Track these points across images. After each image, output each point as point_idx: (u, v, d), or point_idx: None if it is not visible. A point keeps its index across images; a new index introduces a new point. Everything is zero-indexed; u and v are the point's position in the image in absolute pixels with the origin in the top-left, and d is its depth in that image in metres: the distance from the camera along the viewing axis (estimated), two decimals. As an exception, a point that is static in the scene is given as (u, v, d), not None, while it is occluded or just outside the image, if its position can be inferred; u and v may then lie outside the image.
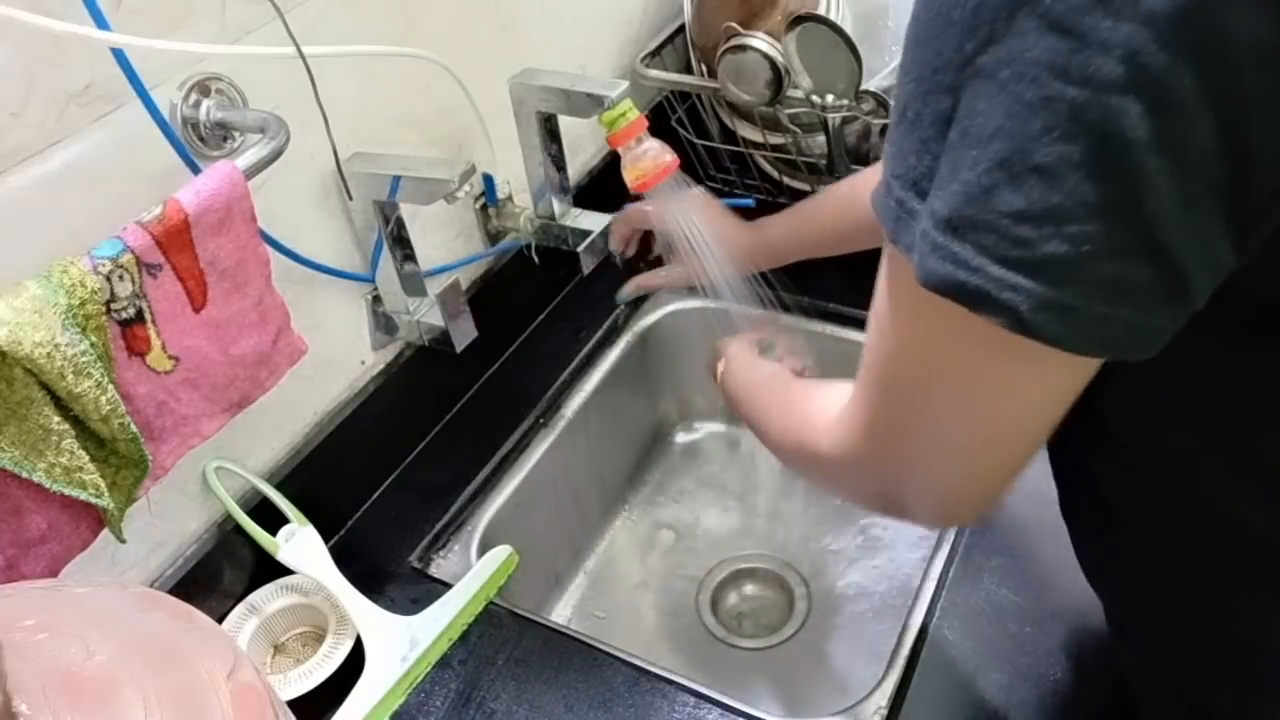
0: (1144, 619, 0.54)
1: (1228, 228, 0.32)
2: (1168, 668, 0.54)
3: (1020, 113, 0.32)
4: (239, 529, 0.78)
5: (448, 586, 0.80)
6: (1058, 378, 0.39)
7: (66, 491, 0.58)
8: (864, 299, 0.45)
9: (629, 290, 1.07)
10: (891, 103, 0.96)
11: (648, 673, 0.74)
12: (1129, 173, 0.31)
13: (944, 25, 0.34)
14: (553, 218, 0.94)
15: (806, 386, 0.63)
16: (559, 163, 0.92)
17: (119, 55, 0.59)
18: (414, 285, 0.86)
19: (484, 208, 0.95)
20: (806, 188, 1.11)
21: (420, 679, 0.75)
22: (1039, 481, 0.82)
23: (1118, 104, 0.30)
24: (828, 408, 0.52)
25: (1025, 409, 0.41)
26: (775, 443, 0.62)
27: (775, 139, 1.07)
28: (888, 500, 0.50)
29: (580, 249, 0.93)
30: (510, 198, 0.96)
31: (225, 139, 0.69)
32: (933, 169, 0.36)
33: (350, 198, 0.77)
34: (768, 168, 1.14)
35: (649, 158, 0.81)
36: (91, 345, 0.57)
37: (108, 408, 0.58)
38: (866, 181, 0.84)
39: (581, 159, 1.11)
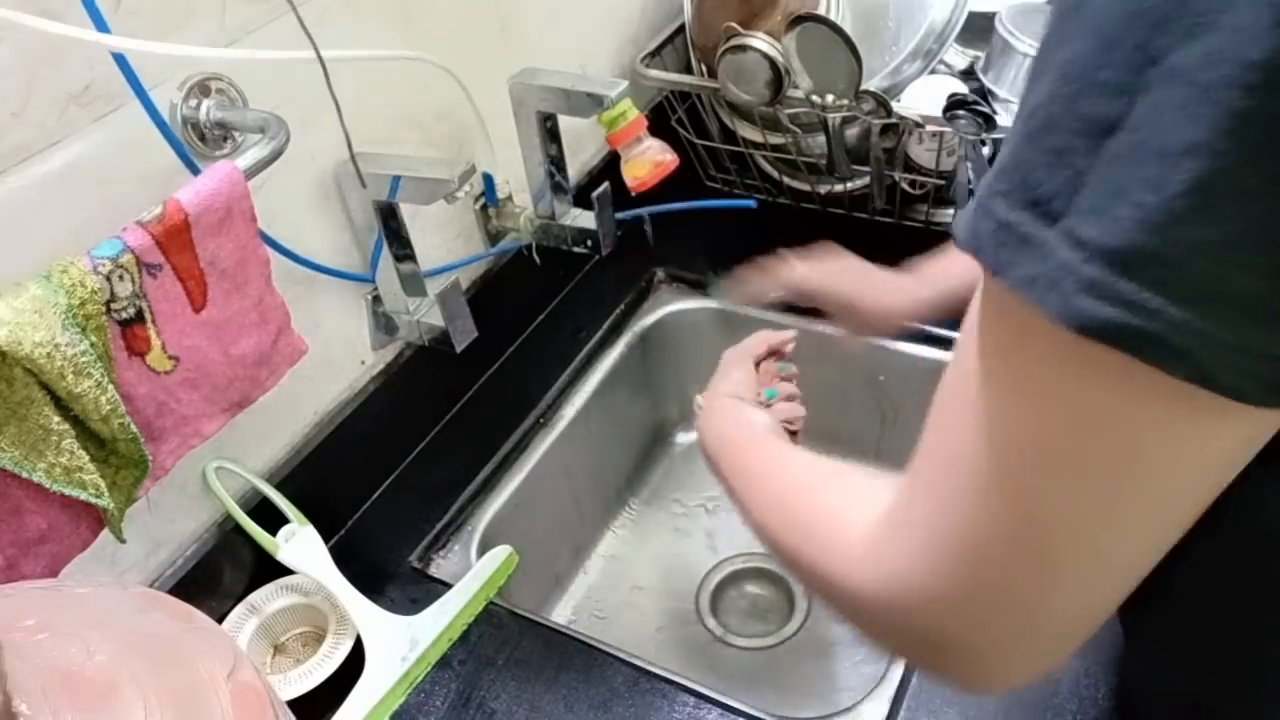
0: (1152, 623, 0.48)
1: None
2: (1174, 672, 0.50)
3: (1229, 125, 0.26)
4: (239, 529, 0.78)
5: (448, 586, 0.80)
6: (1240, 434, 0.32)
7: (66, 491, 0.58)
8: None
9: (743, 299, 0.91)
10: (893, 103, 0.97)
11: (648, 673, 0.74)
12: None
13: (1123, 14, 0.28)
14: (553, 218, 0.94)
15: (816, 476, 0.51)
16: (559, 163, 0.92)
17: (118, 57, 0.59)
18: (414, 285, 0.86)
19: (484, 208, 0.95)
20: (806, 188, 1.11)
21: (420, 679, 0.75)
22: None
23: None
24: (855, 523, 0.42)
25: (1184, 491, 0.33)
26: (775, 550, 0.50)
27: (775, 139, 1.07)
28: (945, 650, 0.39)
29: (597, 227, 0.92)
30: (510, 198, 0.96)
31: (225, 139, 0.69)
32: (1074, 186, 0.29)
33: (364, 185, 0.77)
34: (768, 168, 1.14)
35: (649, 157, 0.81)
36: (91, 345, 0.57)
37: (108, 408, 0.58)
38: None
39: (581, 159, 1.11)
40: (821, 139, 1.02)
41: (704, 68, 1.09)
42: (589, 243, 0.92)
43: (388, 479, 0.93)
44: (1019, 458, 0.34)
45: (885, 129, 0.99)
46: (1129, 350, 0.29)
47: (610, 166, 1.11)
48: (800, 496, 0.50)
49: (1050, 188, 0.30)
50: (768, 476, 0.55)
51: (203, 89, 0.67)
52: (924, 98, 1.01)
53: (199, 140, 0.68)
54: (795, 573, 0.48)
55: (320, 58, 0.64)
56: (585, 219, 0.94)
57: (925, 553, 0.37)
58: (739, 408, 0.67)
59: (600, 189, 0.89)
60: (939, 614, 0.38)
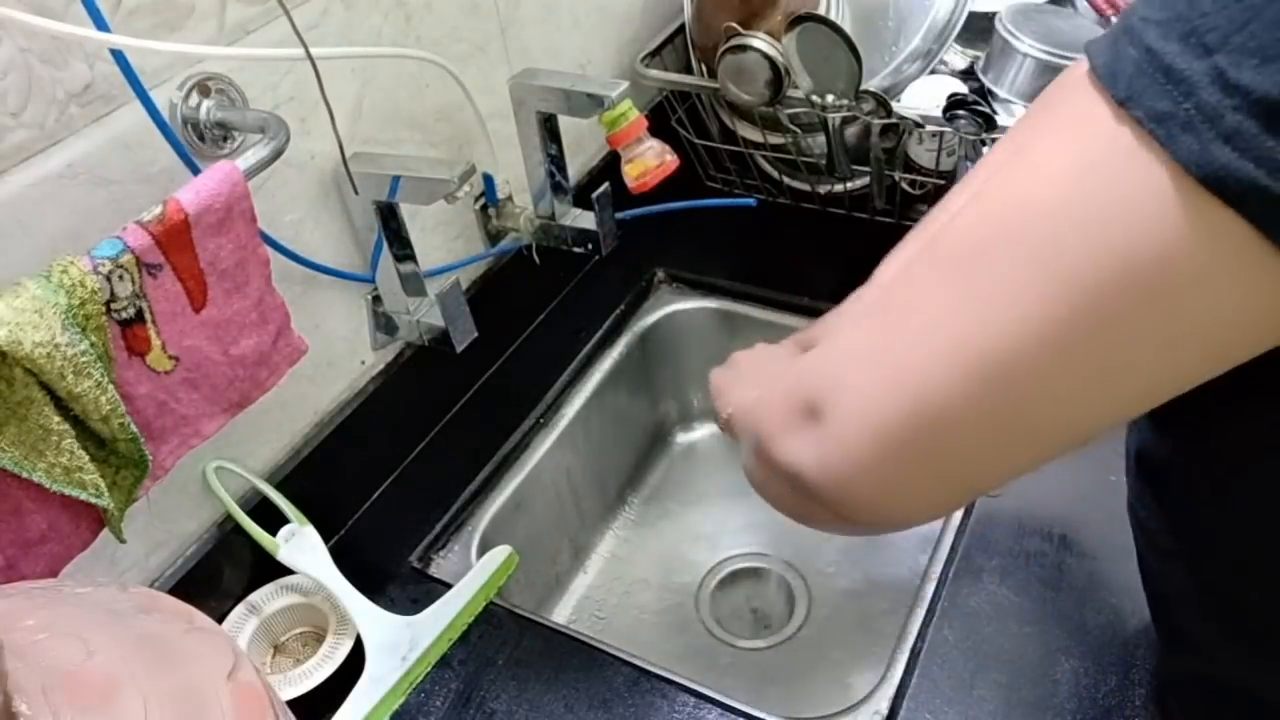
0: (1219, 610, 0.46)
1: None
2: (1223, 660, 0.47)
3: None
4: (239, 529, 0.78)
5: (448, 586, 0.80)
6: None
7: (66, 491, 0.58)
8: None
9: None
10: (893, 103, 0.97)
11: (648, 673, 0.74)
12: None
13: None
14: (553, 218, 0.94)
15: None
16: (559, 163, 0.92)
17: (118, 56, 0.59)
18: (414, 285, 0.86)
19: (484, 208, 0.95)
20: (806, 188, 1.11)
21: (420, 679, 0.75)
22: (1041, 481, 0.83)
23: None
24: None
25: (1219, 348, 0.31)
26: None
27: (775, 139, 1.07)
28: (857, 513, 0.38)
29: (604, 225, 0.91)
30: (510, 198, 0.96)
31: (225, 139, 0.69)
32: (1241, 21, 0.26)
33: (356, 191, 0.77)
34: (768, 168, 1.14)
35: (649, 158, 0.81)
36: (91, 345, 0.57)
37: (108, 408, 0.58)
38: None
39: (581, 159, 1.11)
40: (821, 139, 1.02)
41: (704, 68, 1.09)
42: (589, 244, 0.92)
43: (388, 479, 0.93)
44: (1085, 310, 0.30)
45: (885, 129, 0.99)
46: (1254, 217, 0.26)
47: (610, 166, 1.11)
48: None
49: (1214, 19, 0.27)
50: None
51: (203, 89, 0.67)
52: (924, 98, 1.01)
53: (199, 140, 0.68)
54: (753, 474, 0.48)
55: (310, 57, 0.64)
56: (585, 219, 0.94)
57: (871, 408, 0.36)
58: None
59: (600, 189, 0.89)
60: (879, 473, 0.37)
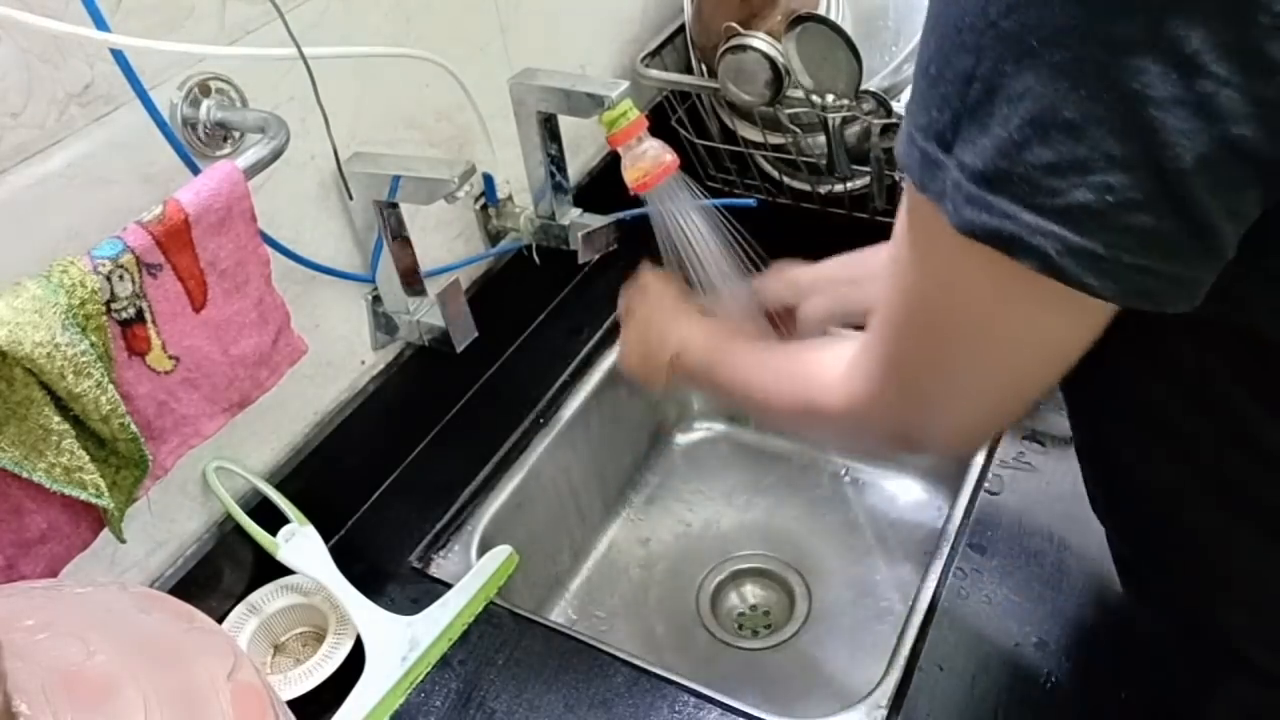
0: (1151, 551, 0.56)
1: (1259, 181, 0.34)
2: (1172, 597, 0.56)
3: (1047, 74, 0.34)
4: (239, 529, 0.78)
5: (448, 586, 0.80)
6: (1082, 321, 0.41)
7: (66, 491, 0.58)
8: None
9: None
10: (893, 103, 0.97)
11: (648, 673, 0.74)
12: (1147, 128, 0.33)
13: None
14: (553, 218, 0.94)
15: (795, 349, 0.64)
16: (559, 163, 0.92)
17: (118, 56, 0.59)
18: (414, 285, 0.86)
19: (484, 208, 0.95)
20: (806, 188, 1.11)
21: (420, 679, 0.75)
22: (1040, 481, 0.83)
23: (1138, 64, 0.32)
24: (831, 365, 0.55)
25: (1046, 350, 0.44)
26: (771, 406, 0.64)
27: (775, 139, 1.07)
28: (901, 440, 0.53)
29: (580, 234, 0.92)
30: (510, 198, 0.96)
31: (225, 139, 0.69)
32: (956, 122, 0.38)
33: (350, 197, 0.77)
34: (768, 168, 1.14)
35: (649, 157, 0.81)
36: (91, 345, 0.57)
37: (108, 408, 0.58)
38: None
39: (581, 159, 1.11)
40: (821, 139, 1.02)
41: (704, 68, 1.09)
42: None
43: (388, 479, 0.93)
44: (923, 312, 0.46)
45: (885, 129, 0.99)
46: (998, 247, 0.37)
47: (610, 166, 1.11)
48: (788, 362, 0.63)
49: (943, 124, 0.38)
50: (758, 363, 0.67)
51: (203, 89, 0.67)
52: (924, 98, 1.00)
53: (199, 140, 0.68)
54: (792, 419, 0.64)
55: (303, 57, 0.64)
56: (586, 219, 0.94)
57: (871, 378, 0.51)
58: (709, 325, 0.76)
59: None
60: (887, 418, 0.52)
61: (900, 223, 0.45)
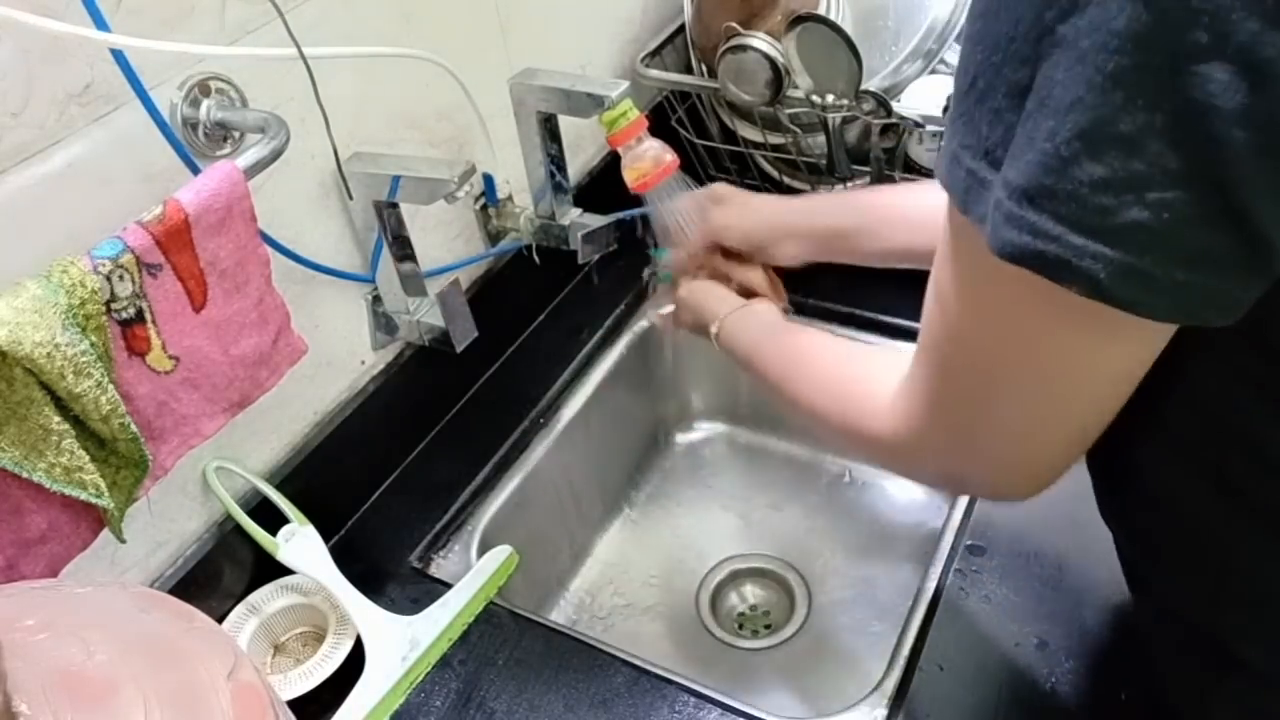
0: (1157, 555, 0.54)
1: None
2: (1177, 599, 0.55)
3: (1102, 83, 0.32)
4: (239, 529, 0.78)
5: (448, 586, 0.80)
6: (1132, 346, 0.40)
7: (67, 491, 0.58)
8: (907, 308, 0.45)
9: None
10: (893, 103, 0.97)
11: (648, 673, 0.74)
12: (1212, 141, 0.31)
13: None
14: (553, 218, 0.94)
15: (844, 355, 0.62)
16: (559, 163, 0.92)
17: (118, 56, 0.59)
18: (414, 285, 0.86)
19: (484, 208, 0.95)
20: (806, 188, 1.11)
21: (420, 679, 0.75)
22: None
23: (1204, 72, 0.30)
24: (880, 386, 0.52)
25: (1098, 380, 0.41)
26: (812, 416, 0.62)
27: (775, 139, 1.07)
28: (950, 478, 0.51)
29: (580, 234, 0.92)
30: (510, 198, 0.96)
31: (225, 139, 0.69)
32: (1007, 139, 0.36)
33: (350, 197, 0.77)
34: (768, 168, 1.14)
35: (649, 157, 0.81)
36: (91, 345, 0.57)
37: (108, 408, 0.58)
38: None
39: (581, 159, 1.11)
40: (821, 139, 1.02)
41: (704, 68, 1.09)
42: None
43: (388, 479, 0.93)
44: (966, 345, 0.44)
45: (885, 129, 0.99)
46: (1039, 270, 0.35)
47: (610, 166, 1.11)
48: (836, 371, 0.60)
49: (993, 140, 0.36)
50: (803, 359, 0.65)
51: (203, 89, 0.67)
52: (924, 98, 1.01)
53: (199, 140, 0.67)
54: (833, 434, 0.60)
55: (303, 57, 0.64)
56: (586, 219, 0.94)
57: (916, 411, 0.48)
58: (751, 311, 0.76)
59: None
60: (934, 452, 0.50)
61: (941, 251, 0.43)
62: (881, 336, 1.02)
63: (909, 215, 0.77)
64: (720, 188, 0.87)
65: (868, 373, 0.56)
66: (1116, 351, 0.40)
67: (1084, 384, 0.41)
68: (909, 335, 0.99)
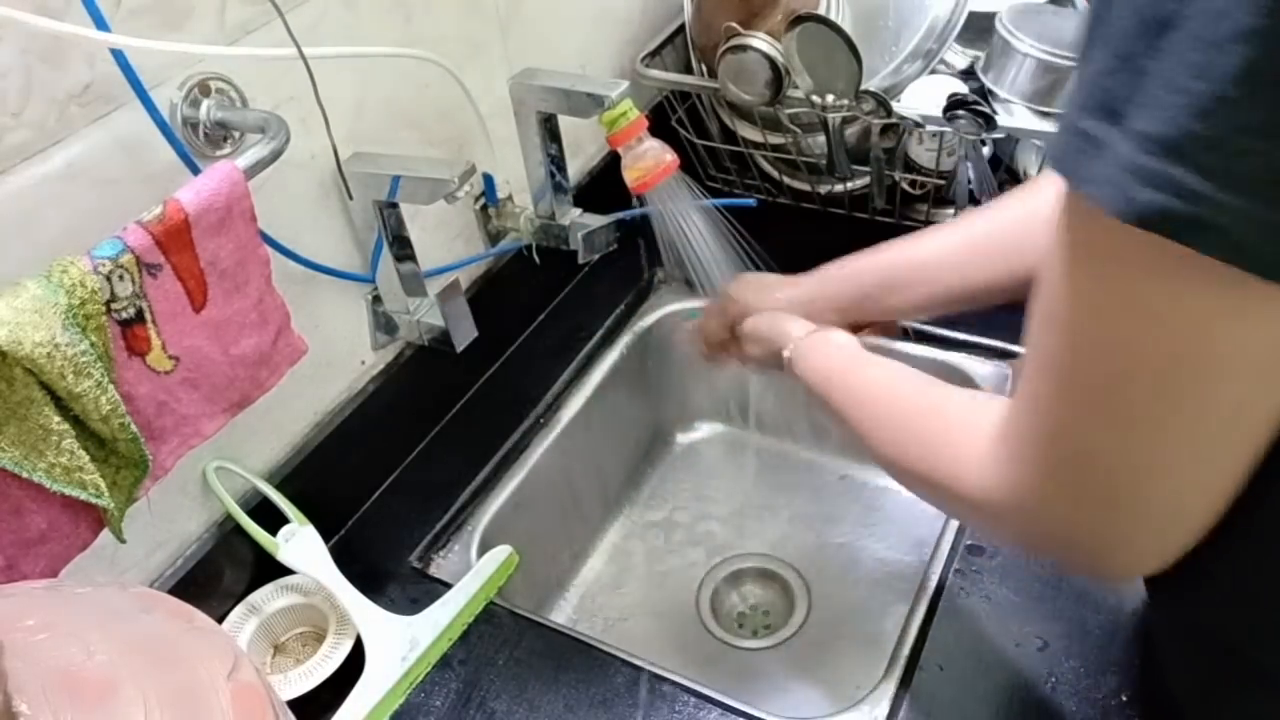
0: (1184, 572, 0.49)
1: None
2: (1193, 610, 0.51)
3: (1271, 9, 0.27)
4: (239, 529, 0.78)
5: (448, 586, 0.80)
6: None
7: (67, 491, 0.58)
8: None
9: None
10: (893, 103, 0.97)
11: (648, 673, 0.74)
12: None
13: None
14: (553, 218, 0.94)
15: (933, 398, 0.53)
16: (559, 163, 0.92)
17: (118, 56, 0.59)
18: (414, 285, 0.86)
19: (484, 208, 0.95)
20: (806, 188, 1.11)
21: (420, 679, 0.75)
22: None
23: None
24: (976, 431, 0.44)
25: (1258, 382, 0.34)
26: (893, 465, 0.53)
27: (775, 139, 1.07)
28: (1072, 550, 0.42)
29: (580, 234, 0.92)
30: (510, 198, 0.96)
31: (225, 139, 0.69)
32: (1135, 85, 0.30)
33: (350, 197, 0.77)
34: (768, 168, 1.14)
35: (649, 157, 0.81)
36: (91, 345, 0.57)
37: (108, 408, 0.58)
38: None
39: (581, 159, 1.11)
40: (821, 139, 1.02)
41: (704, 68, 1.09)
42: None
43: (388, 479, 0.93)
44: (1092, 368, 0.36)
45: (885, 129, 0.99)
46: (1173, 235, 0.30)
47: (610, 166, 1.11)
48: (917, 416, 0.52)
49: (1116, 90, 0.31)
50: (880, 399, 0.57)
51: (203, 89, 0.67)
52: (924, 98, 1.01)
53: (199, 140, 0.68)
54: (916, 486, 0.51)
55: (303, 57, 0.64)
56: (586, 219, 0.94)
57: (1035, 460, 0.39)
58: (825, 337, 0.68)
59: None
60: (1056, 515, 0.40)
61: (1052, 254, 0.36)
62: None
63: (924, 272, 0.71)
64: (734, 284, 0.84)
65: (961, 411, 0.48)
66: (1265, 335, 0.32)
67: (1244, 390, 0.34)
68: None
